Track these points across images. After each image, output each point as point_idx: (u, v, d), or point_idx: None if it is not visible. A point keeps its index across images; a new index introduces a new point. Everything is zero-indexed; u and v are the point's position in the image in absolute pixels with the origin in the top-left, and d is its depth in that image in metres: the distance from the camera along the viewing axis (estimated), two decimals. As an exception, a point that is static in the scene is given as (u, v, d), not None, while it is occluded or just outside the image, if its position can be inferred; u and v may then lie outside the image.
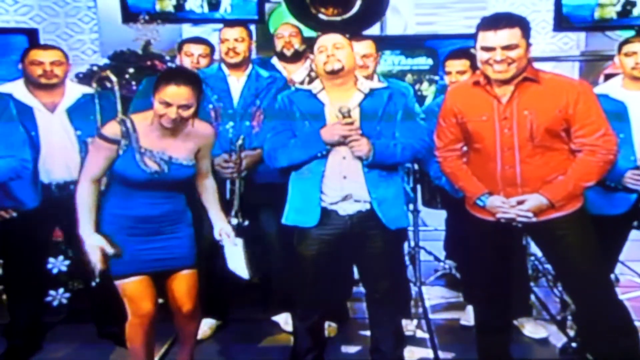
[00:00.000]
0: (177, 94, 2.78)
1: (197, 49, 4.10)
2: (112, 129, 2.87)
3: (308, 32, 4.81)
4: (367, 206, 3.08)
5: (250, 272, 3.24)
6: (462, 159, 3.11)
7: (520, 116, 2.88)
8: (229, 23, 4.00)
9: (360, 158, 3.04)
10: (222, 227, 3.12)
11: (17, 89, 3.50)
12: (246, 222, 3.47)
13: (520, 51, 2.81)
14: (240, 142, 3.48)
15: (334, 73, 3.08)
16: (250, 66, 3.82)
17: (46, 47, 3.65)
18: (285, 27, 4.58)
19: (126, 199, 2.92)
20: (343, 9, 4.81)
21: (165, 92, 2.78)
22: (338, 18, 4.81)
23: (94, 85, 3.48)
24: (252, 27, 4.36)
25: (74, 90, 3.61)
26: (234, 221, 3.40)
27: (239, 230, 3.33)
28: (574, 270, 2.98)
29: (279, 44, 4.47)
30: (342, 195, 3.06)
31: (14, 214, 3.43)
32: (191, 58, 4.08)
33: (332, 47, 3.09)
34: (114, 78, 3.39)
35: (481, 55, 2.88)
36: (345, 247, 3.19)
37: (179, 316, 3.09)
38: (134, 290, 2.93)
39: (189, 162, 2.96)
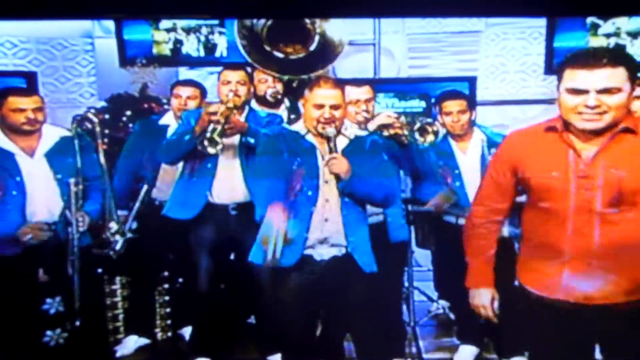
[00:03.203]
0: None
1: (186, 91, 4.17)
2: None
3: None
4: (343, 250, 3.08)
5: None
6: (498, 232, 2.63)
7: (607, 174, 2.32)
8: (230, 66, 4.02)
9: (337, 177, 3.01)
10: None
11: None
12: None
13: (622, 97, 2.25)
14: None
15: (323, 136, 3.08)
16: (247, 107, 3.85)
17: (25, 92, 3.59)
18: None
19: None
20: (302, 46, 4.82)
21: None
22: (295, 56, 4.82)
23: (73, 126, 3.53)
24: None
25: (51, 134, 3.58)
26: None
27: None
28: None
29: (262, 88, 4.46)
30: (322, 237, 3.06)
31: None
32: (179, 99, 4.15)
33: (329, 108, 3.02)
34: (95, 119, 3.45)
35: (566, 100, 2.31)
36: (324, 291, 3.15)
37: None
38: None
39: None
